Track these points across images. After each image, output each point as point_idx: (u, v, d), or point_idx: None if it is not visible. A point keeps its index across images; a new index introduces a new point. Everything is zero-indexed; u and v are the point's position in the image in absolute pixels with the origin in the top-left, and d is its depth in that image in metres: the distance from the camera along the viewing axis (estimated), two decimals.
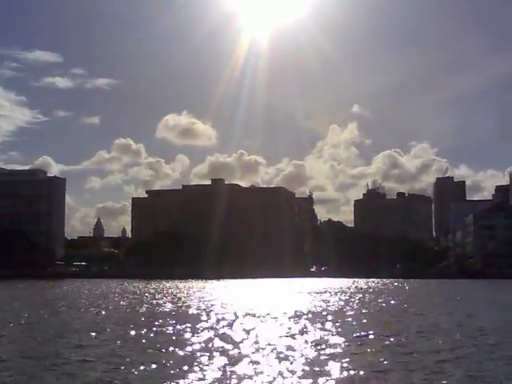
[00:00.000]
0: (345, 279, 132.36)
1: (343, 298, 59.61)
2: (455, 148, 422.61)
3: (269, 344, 23.80)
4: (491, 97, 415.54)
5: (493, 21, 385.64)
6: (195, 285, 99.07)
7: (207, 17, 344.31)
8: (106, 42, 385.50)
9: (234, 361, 19.95)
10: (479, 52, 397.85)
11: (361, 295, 65.29)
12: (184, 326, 30.00)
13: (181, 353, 21.78)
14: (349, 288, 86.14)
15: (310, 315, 37.13)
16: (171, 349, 22.66)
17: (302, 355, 21.20)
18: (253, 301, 52.96)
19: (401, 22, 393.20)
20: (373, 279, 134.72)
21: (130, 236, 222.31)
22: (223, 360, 20.06)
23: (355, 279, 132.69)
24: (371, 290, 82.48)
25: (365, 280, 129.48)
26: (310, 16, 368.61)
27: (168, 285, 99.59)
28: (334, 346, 23.68)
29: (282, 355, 21.11)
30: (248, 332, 27.69)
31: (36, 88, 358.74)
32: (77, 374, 17.89)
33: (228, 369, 18.59)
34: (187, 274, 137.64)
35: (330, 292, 72.20)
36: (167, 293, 70.35)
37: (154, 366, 19.18)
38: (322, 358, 20.82)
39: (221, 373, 17.95)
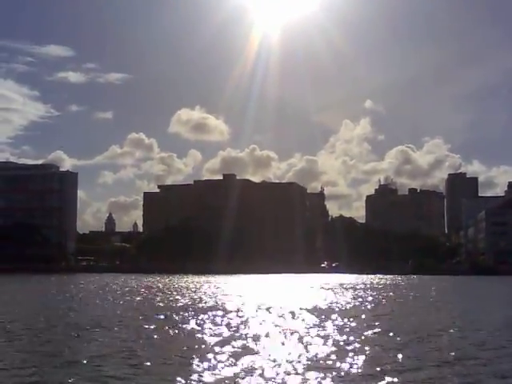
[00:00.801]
0: (356, 275, 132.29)
1: (360, 293, 59.64)
2: (468, 143, 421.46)
3: (288, 339, 23.98)
4: (505, 92, 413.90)
5: (507, 15, 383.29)
6: (207, 279, 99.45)
7: (218, 11, 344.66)
8: (119, 37, 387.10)
9: (252, 355, 20.13)
10: (493, 47, 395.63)
11: (373, 291, 65.27)
12: (203, 321, 30.19)
13: (203, 346, 22.02)
14: (365, 284, 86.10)
15: (326, 310, 37.26)
16: (192, 344, 22.87)
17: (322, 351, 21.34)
18: (266, 295, 53.17)
19: (414, 16, 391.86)
20: (384, 275, 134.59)
21: (141, 231, 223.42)
22: (242, 355, 20.25)
23: (366, 275, 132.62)
24: (384, 285, 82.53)
25: (376, 276, 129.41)
26: (321, 10, 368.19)
27: (181, 279, 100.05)
28: (359, 341, 23.79)
29: (308, 354, 21.20)
30: (266, 327, 27.86)
31: (49, 82, 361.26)
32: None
33: (245, 364, 18.77)
34: (199, 269, 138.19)
35: (345, 288, 72.26)
36: (181, 287, 70.72)
37: (170, 363, 19.42)
38: (347, 353, 20.95)
39: (238, 368, 18.14)
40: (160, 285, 78.41)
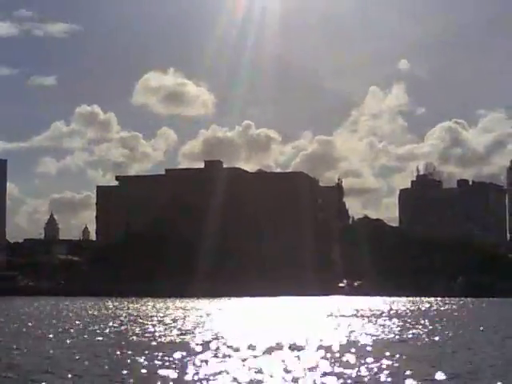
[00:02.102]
0: (385, 298, 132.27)
1: (395, 326, 59.22)
2: None
3: None
4: None
5: None
6: (183, 305, 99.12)
7: None
8: None
9: None
10: None
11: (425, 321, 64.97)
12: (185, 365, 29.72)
13: None
14: (407, 311, 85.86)
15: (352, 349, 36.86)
16: None
17: None
18: (263, 329, 52.71)
19: None
20: (424, 297, 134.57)
21: (94, 239, 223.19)
22: None
23: (400, 298, 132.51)
24: (427, 314, 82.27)
25: (414, 299, 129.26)
26: None
27: (149, 305, 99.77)
28: None
29: None
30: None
31: None
32: None
33: None
34: (171, 290, 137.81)
35: (371, 316, 71.96)
36: (145, 317, 70.25)
37: None
38: None
39: None
40: (121, 312, 77.93)
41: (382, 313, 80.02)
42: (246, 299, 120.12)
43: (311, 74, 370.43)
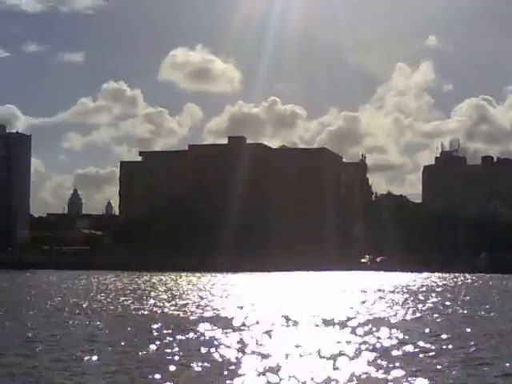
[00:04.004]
0: (408, 273, 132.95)
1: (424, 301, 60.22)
2: None
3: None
4: None
5: None
6: (207, 279, 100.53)
7: None
8: None
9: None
10: None
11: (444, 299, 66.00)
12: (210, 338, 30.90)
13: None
14: (426, 286, 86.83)
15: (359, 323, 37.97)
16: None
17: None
18: (284, 302, 54.03)
19: None
20: (447, 273, 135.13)
21: (117, 213, 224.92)
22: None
23: (424, 273, 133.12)
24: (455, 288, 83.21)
25: (437, 274, 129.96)
26: None
27: (172, 278, 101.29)
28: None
29: None
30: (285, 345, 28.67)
31: None
32: None
33: None
34: (195, 265, 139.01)
35: (398, 292, 73.03)
36: (171, 290, 71.70)
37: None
38: None
39: None
40: (143, 285, 79.39)
41: (411, 288, 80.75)
42: (267, 274, 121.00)
43: (337, 50, 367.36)
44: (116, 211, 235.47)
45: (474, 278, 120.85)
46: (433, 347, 28.33)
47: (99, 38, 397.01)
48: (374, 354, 25.59)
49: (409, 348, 27.80)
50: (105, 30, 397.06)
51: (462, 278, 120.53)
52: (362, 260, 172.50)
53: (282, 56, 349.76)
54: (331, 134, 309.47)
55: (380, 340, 29.83)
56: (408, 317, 42.33)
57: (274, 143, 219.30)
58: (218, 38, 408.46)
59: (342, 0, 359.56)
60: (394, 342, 29.71)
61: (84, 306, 49.17)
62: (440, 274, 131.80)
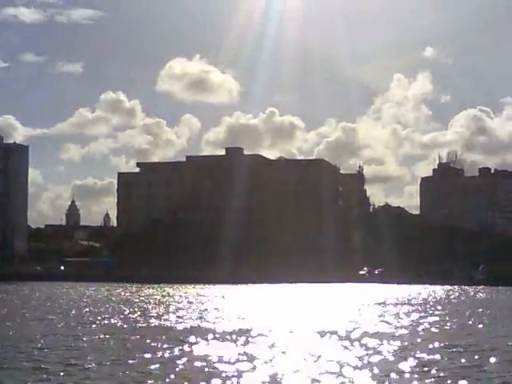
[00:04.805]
0: (407, 286, 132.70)
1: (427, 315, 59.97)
2: None
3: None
4: None
5: None
6: (206, 291, 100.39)
7: None
8: None
9: None
10: None
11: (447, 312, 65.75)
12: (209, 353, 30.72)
13: None
14: (426, 298, 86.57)
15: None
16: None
17: None
18: (287, 314, 53.80)
19: None
20: (446, 285, 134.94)
21: (115, 225, 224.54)
22: None
23: (422, 285, 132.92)
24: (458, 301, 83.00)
25: (437, 287, 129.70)
26: None
27: (171, 290, 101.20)
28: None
29: None
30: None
31: None
32: None
33: None
34: (194, 277, 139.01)
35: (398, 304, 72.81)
36: (175, 303, 71.50)
37: None
38: None
39: None
40: (141, 298, 79.13)
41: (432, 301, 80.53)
42: (266, 286, 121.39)
43: (335, 61, 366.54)
44: (114, 223, 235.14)
45: (475, 289, 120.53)
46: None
47: (97, 49, 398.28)
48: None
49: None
50: (103, 40, 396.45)
51: (461, 290, 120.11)
52: (361, 272, 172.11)
53: (279, 67, 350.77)
54: (329, 145, 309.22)
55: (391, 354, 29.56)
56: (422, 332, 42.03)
57: (271, 154, 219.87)
58: (216, 48, 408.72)
59: (339, 12, 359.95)
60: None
61: (83, 317, 49.05)
62: (440, 286, 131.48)
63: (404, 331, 40.54)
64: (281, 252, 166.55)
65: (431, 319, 50.37)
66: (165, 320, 47.57)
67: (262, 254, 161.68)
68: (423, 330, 42.11)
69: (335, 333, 37.77)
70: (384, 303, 71.92)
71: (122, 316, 51.29)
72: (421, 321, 48.75)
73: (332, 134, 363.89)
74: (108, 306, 64.46)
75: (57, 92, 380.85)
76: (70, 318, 49.43)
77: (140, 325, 44.06)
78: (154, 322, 46.47)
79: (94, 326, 43.30)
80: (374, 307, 65.06)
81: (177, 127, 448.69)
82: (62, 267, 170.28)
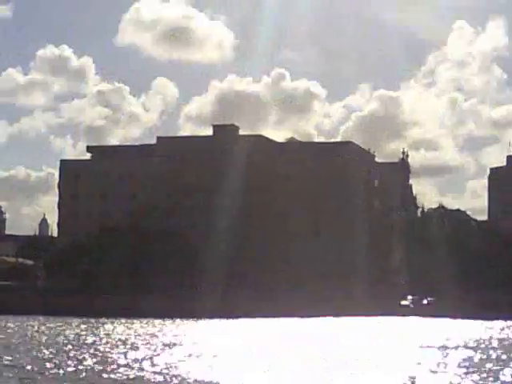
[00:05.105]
0: (470, 321, 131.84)
1: None
2: None
3: None
4: None
5: None
6: (182, 329, 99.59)
7: None
8: None
9: None
10: None
11: None
12: None
13: None
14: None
15: None
16: None
17: None
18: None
19: None
20: None
21: (55, 235, 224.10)
22: None
23: (493, 321, 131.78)
24: None
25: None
26: None
27: (127, 327, 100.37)
28: None
29: None
30: None
31: None
32: None
33: None
34: (164, 308, 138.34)
35: None
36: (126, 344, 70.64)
37: None
38: None
39: None
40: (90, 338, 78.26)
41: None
42: (272, 320, 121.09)
43: (369, 3, 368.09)
44: (54, 231, 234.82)
45: None
46: None
47: None
48: None
49: None
50: None
51: None
52: (403, 302, 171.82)
53: (291, 12, 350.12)
54: (360, 123, 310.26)
55: None
56: None
57: (279, 135, 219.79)
58: None
59: None
60: None
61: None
62: None
63: None
64: (290, 272, 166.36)
65: None
66: None
67: (264, 276, 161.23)
68: None
69: None
70: (450, 347, 71.10)
71: None
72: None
73: (365, 107, 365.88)
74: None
75: None
76: None
77: None
78: None
79: None
80: (431, 352, 64.11)
81: (145, 96, 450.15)
82: None
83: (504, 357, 62.63)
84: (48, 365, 52.70)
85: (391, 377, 45.14)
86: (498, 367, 53.32)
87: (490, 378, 46.30)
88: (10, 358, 57.09)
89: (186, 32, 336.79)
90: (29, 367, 51.14)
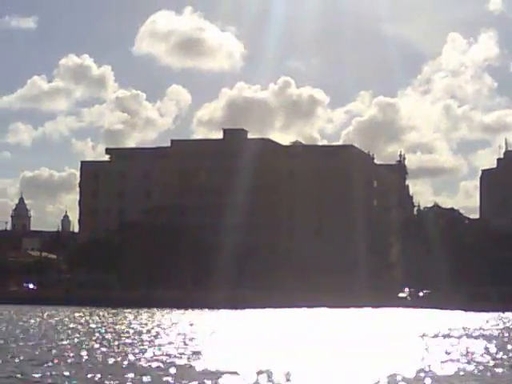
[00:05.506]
0: (462, 312, 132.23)
1: None
2: None
3: None
4: None
5: None
6: (197, 318, 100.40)
7: None
8: None
9: None
10: None
11: None
12: None
13: None
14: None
15: None
16: None
17: None
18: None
19: None
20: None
21: (76, 230, 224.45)
22: None
23: (482, 313, 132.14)
24: None
25: (502, 315, 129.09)
26: None
27: (145, 317, 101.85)
28: None
29: None
30: None
31: None
32: None
33: None
34: (179, 299, 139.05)
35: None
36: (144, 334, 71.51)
37: None
38: None
39: None
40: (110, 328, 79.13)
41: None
42: (278, 310, 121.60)
43: (370, 16, 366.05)
44: (75, 227, 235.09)
45: None
46: None
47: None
48: None
49: None
50: None
51: None
52: (400, 294, 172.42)
53: (296, 23, 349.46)
54: (360, 127, 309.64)
55: None
56: None
57: (285, 138, 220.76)
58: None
59: None
60: None
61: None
62: (503, 314, 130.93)
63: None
64: (296, 266, 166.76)
65: None
66: None
67: (272, 270, 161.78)
68: None
69: None
70: (449, 335, 71.10)
71: None
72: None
73: (365, 113, 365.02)
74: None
75: (3, 55, 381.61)
76: None
77: None
78: None
79: None
80: (430, 341, 63.70)
81: (160, 102, 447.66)
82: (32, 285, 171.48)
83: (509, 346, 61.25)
84: (96, 351, 50.83)
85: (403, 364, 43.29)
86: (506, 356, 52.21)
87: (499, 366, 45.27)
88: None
89: (198, 42, 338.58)
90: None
